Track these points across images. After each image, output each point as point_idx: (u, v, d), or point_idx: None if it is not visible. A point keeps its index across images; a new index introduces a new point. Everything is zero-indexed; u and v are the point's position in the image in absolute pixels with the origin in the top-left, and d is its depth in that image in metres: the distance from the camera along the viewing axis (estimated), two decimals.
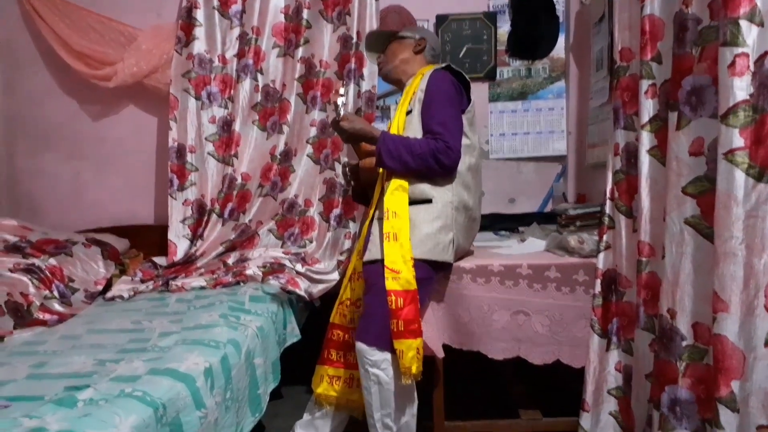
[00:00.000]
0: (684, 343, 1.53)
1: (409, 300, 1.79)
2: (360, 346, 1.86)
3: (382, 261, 1.83)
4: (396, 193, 1.89)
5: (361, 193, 2.30)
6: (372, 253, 1.90)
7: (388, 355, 1.82)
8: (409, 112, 2.00)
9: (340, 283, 2.29)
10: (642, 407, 1.78)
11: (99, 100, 3.12)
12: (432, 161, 1.88)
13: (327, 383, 2.06)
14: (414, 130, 1.97)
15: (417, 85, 2.02)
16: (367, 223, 2.03)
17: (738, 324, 1.36)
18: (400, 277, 1.80)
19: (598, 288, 1.92)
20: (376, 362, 1.83)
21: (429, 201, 1.93)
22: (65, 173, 3.16)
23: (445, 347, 2.04)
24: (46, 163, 3.16)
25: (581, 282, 1.98)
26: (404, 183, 1.91)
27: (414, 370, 1.79)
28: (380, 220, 1.90)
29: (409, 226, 1.87)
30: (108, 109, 3.15)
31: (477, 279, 2.02)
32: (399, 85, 2.18)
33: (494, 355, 2.01)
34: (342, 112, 1.95)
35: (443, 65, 2.08)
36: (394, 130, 2.00)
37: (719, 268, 1.38)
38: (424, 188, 1.94)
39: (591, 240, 2.04)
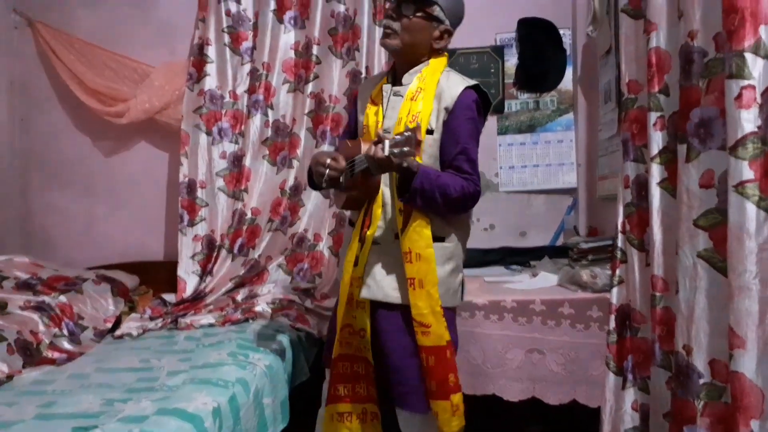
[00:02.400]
0: (701, 381, 1.49)
1: (442, 356, 1.63)
2: (406, 414, 1.71)
3: (400, 307, 1.67)
4: (419, 230, 1.65)
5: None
6: (381, 293, 1.69)
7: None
8: (429, 132, 1.69)
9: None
10: None
11: (111, 136, 3.16)
12: (461, 207, 1.72)
13: (338, 421, 1.78)
14: (430, 155, 1.70)
15: (437, 94, 1.70)
16: (355, 242, 1.74)
17: (755, 360, 1.31)
18: (430, 332, 1.62)
19: (612, 324, 1.87)
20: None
21: (442, 239, 1.72)
22: (77, 209, 3.19)
23: None
24: (59, 199, 3.20)
25: (595, 318, 1.95)
26: (426, 218, 1.66)
27: (455, 428, 1.65)
28: (377, 246, 1.70)
29: (435, 271, 1.66)
30: (120, 145, 3.19)
31: (490, 316, 2.00)
32: (398, 63, 1.79)
33: (510, 397, 1.97)
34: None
35: (473, 83, 1.77)
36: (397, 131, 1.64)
37: (734, 303, 1.35)
38: (442, 225, 1.72)
39: (604, 274, 2.02)
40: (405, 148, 1.45)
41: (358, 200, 1.74)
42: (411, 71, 1.75)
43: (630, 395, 1.83)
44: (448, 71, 1.78)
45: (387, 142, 1.46)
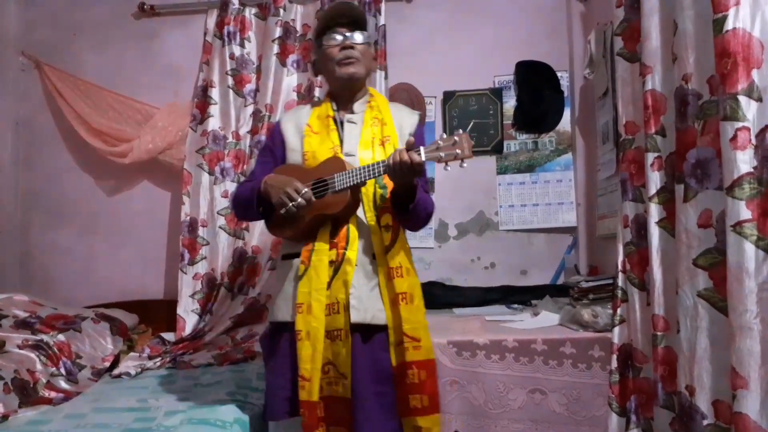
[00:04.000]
0: (705, 422, 1.48)
1: (431, 370, 1.63)
2: None
3: (383, 328, 1.65)
4: (404, 245, 1.70)
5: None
6: (369, 315, 1.64)
7: None
8: None
9: None
10: None
11: (114, 175, 3.19)
12: (427, 221, 1.79)
13: None
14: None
15: (397, 122, 1.80)
16: (324, 269, 1.65)
17: (759, 401, 1.31)
18: (421, 346, 1.62)
19: (614, 364, 1.87)
20: None
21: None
22: (78, 248, 3.20)
23: None
24: (60, 238, 3.20)
25: (597, 358, 1.93)
26: (405, 235, 1.73)
27: None
28: (356, 267, 1.66)
29: (420, 285, 1.70)
30: (122, 184, 3.22)
31: (491, 355, 1.98)
32: (348, 92, 1.82)
33: None
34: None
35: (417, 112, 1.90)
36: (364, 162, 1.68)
37: (735, 343, 1.34)
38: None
39: (605, 314, 2.01)
40: (442, 153, 1.51)
41: (310, 227, 1.69)
42: (361, 100, 1.83)
43: None
44: (391, 102, 1.89)
45: (423, 148, 1.53)
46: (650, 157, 1.72)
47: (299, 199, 1.60)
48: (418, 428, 1.61)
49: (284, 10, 3.05)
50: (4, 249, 3.12)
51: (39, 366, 2.23)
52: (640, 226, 1.83)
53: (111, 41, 3.24)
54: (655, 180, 1.72)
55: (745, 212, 1.31)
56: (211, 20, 3.09)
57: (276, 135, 1.86)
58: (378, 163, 1.59)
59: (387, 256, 1.66)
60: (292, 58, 3.03)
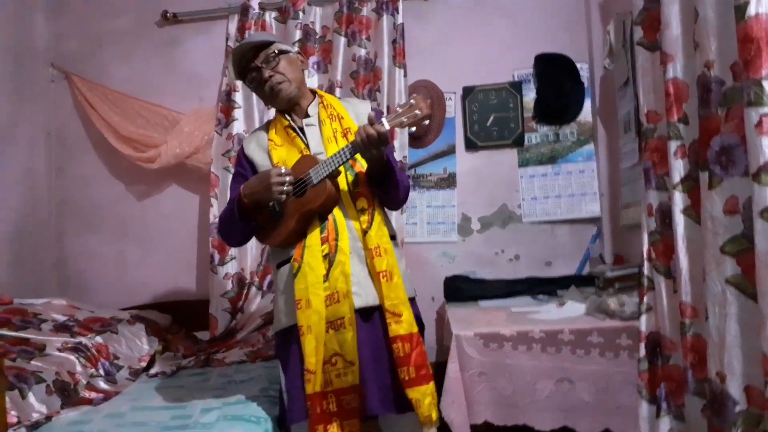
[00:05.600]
0: (737, 409, 1.47)
1: (415, 343, 1.69)
2: (396, 419, 1.75)
3: (377, 309, 1.73)
4: (381, 227, 1.77)
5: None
6: (370, 298, 1.73)
7: (406, 417, 1.72)
8: None
9: None
10: None
11: (143, 180, 3.27)
12: (406, 194, 1.88)
13: None
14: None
15: (354, 113, 1.90)
16: (319, 262, 1.71)
17: None
18: (402, 320, 1.69)
19: (642, 352, 1.86)
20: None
21: (393, 237, 1.86)
22: (111, 252, 3.28)
23: (487, 425, 1.99)
24: (94, 243, 3.29)
25: (625, 346, 1.94)
26: (383, 216, 1.82)
27: (434, 416, 1.67)
28: (350, 255, 1.73)
29: (397, 264, 1.77)
30: (152, 189, 3.30)
31: (518, 347, 2.00)
32: (295, 106, 1.90)
33: (541, 427, 1.95)
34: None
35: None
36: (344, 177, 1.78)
37: (766, 330, 1.34)
38: (389, 224, 1.87)
39: (631, 302, 2.01)
40: (404, 119, 1.61)
41: (298, 227, 1.75)
42: (312, 104, 1.91)
43: (665, 424, 1.81)
44: (341, 97, 1.97)
45: (384, 119, 1.62)
46: (673, 145, 1.72)
47: (287, 178, 1.67)
48: (409, 400, 1.67)
49: (303, 12, 3.09)
50: (41, 255, 3.22)
51: (79, 368, 2.29)
52: (665, 215, 1.82)
53: (136, 50, 3.32)
54: (678, 168, 1.71)
55: None
56: (233, 25, 3.15)
57: (243, 160, 1.93)
58: (345, 147, 1.68)
59: (365, 238, 1.74)
60: (312, 60, 3.07)
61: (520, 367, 1.98)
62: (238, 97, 3.08)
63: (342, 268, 1.69)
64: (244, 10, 3.12)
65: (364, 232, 1.74)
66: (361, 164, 1.80)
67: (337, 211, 1.75)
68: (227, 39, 3.16)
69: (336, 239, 1.71)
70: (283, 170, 1.70)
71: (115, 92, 3.23)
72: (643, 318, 1.88)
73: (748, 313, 1.45)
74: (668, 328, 1.81)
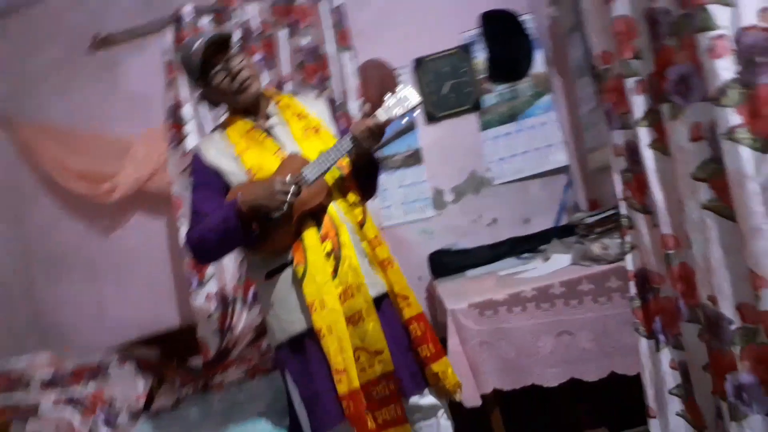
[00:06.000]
0: (733, 327, 1.49)
1: (425, 321, 1.76)
2: (416, 400, 1.75)
3: (386, 296, 1.76)
4: (371, 219, 1.80)
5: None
6: (381, 286, 1.75)
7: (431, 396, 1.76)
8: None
9: None
10: (707, 401, 1.72)
11: (105, 216, 3.18)
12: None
13: None
14: None
15: (316, 108, 1.89)
16: (324, 262, 1.68)
17: None
18: (411, 302, 1.75)
19: (633, 290, 1.88)
20: (436, 406, 1.77)
21: None
22: (86, 295, 3.19)
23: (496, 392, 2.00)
24: (66, 289, 3.20)
25: (615, 288, 1.95)
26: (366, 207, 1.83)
27: (456, 378, 1.76)
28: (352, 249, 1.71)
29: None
30: (115, 223, 3.21)
31: (513, 309, 2.00)
32: (254, 106, 1.83)
33: (548, 383, 1.96)
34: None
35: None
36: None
37: (749, 247, 1.36)
38: None
39: (614, 244, 2.03)
40: (397, 109, 1.65)
41: (297, 229, 1.70)
42: (270, 105, 1.85)
43: (666, 355, 1.83)
44: (292, 93, 2.05)
45: (381, 110, 1.65)
46: (630, 82, 1.71)
47: (291, 188, 1.60)
48: (434, 374, 1.72)
49: (240, 10, 3.01)
50: (15, 311, 3.11)
51: (77, 422, 2.23)
52: (632, 152, 1.83)
53: (72, 80, 3.20)
54: (638, 104, 1.71)
55: (735, 118, 1.31)
56: (168, 38, 3.04)
57: (204, 168, 1.79)
58: (341, 140, 1.67)
59: (363, 229, 1.75)
60: (256, 57, 2.98)
61: (518, 329, 1.98)
62: (187, 110, 2.99)
63: (350, 262, 1.68)
64: (177, 20, 3.01)
65: (361, 225, 1.75)
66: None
67: (331, 208, 1.73)
68: (165, 53, 3.06)
69: (337, 235, 1.70)
70: (288, 179, 1.62)
71: (57, 129, 3.12)
72: (628, 257, 1.90)
73: (729, 234, 1.46)
74: (654, 262, 1.83)
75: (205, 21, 3.04)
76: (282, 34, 2.98)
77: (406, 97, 1.65)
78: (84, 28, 3.17)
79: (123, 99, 3.18)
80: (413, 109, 1.66)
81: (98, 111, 3.17)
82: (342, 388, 1.61)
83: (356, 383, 1.62)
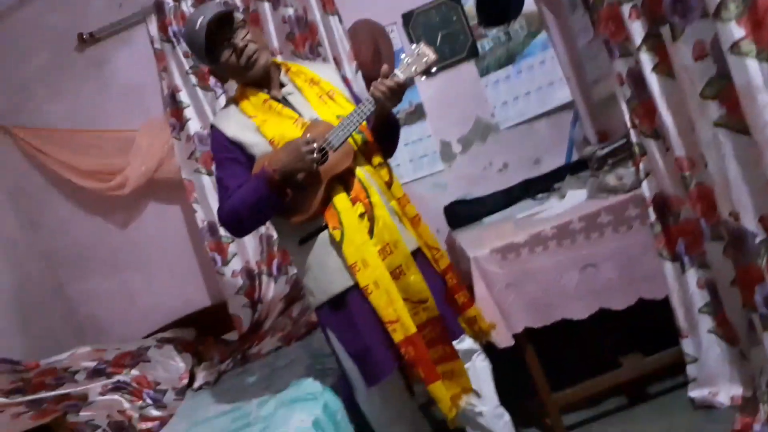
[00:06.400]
0: (757, 240, 1.52)
1: (456, 271, 1.85)
2: (468, 343, 1.81)
3: (418, 249, 1.78)
4: (396, 178, 1.84)
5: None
6: (410, 242, 1.76)
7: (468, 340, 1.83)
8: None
9: None
10: (739, 315, 1.76)
11: (121, 208, 3.20)
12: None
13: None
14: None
15: (327, 75, 1.89)
16: (357, 222, 1.70)
17: None
18: (442, 254, 1.84)
19: (652, 216, 1.90)
20: (472, 349, 1.83)
21: None
22: (114, 287, 3.24)
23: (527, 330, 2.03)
24: (94, 284, 3.24)
25: (634, 216, 1.97)
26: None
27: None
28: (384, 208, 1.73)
29: None
30: (132, 214, 3.23)
31: (534, 249, 2.01)
32: (266, 77, 1.82)
33: (577, 316, 2.00)
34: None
35: None
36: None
37: (765, 158, 1.37)
38: None
39: (629, 173, 2.03)
40: (415, 67, 1.68)
41: (326, 195, 1.71)
42: (281, 74, 1.85)
43: (692, 276, 1.87)
44: (300, 62, 2.15)
45: (397, 71, 1.67)
46: (626, 8, 1.70)
47: (314, 145, 1.62)
48: (471, 319, 1.84)
49: None
50: (49, 312, 3.17)
51: (126, 404, 2.32)
52: (636, 79, 1.82)
53: (65, 82, 3.17)
54: (637, 29, 1.70)
55: (738, 31, 1.30)
56: (153, 26, 3.02)
57: (227, 143, 1.80)
58: (363, 103, 1.68)
59: (392, 189, 1.79)
60: None
61: (542, 267, 2.00)
62: (184, 97, 2.99)
63: (384, 221, 1.70)
64: (159, 7, 2.99)
65: (389, 185, 1.78)
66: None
67: (358, 171, 1.73)
68: (152, 42, 3.04)
69: (368, 197, 1.71)
70: (308, 137, 1.63)
71: (59, 131, 3.11)
72: (644, 184, 1.91)
73: (744, 148, 1.47)
74: (670, 186, 1.84)
75: (187, 4, 3.00)
76: (265, 7, 2.94)
77: (423, 53, 1.67)
78: (67, 28, 3.12)
79: (118, 94, 3.15)
80: (431, 65, 1.68)
81: (95, 109, 3.15)
82: (398, 336, 1.65)
83: (413, 328, 1.65)
